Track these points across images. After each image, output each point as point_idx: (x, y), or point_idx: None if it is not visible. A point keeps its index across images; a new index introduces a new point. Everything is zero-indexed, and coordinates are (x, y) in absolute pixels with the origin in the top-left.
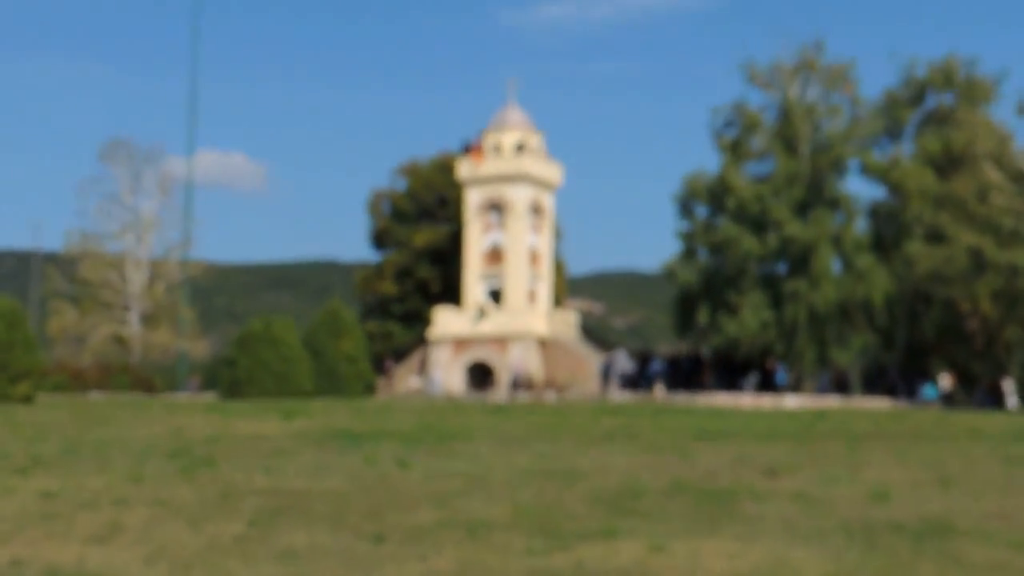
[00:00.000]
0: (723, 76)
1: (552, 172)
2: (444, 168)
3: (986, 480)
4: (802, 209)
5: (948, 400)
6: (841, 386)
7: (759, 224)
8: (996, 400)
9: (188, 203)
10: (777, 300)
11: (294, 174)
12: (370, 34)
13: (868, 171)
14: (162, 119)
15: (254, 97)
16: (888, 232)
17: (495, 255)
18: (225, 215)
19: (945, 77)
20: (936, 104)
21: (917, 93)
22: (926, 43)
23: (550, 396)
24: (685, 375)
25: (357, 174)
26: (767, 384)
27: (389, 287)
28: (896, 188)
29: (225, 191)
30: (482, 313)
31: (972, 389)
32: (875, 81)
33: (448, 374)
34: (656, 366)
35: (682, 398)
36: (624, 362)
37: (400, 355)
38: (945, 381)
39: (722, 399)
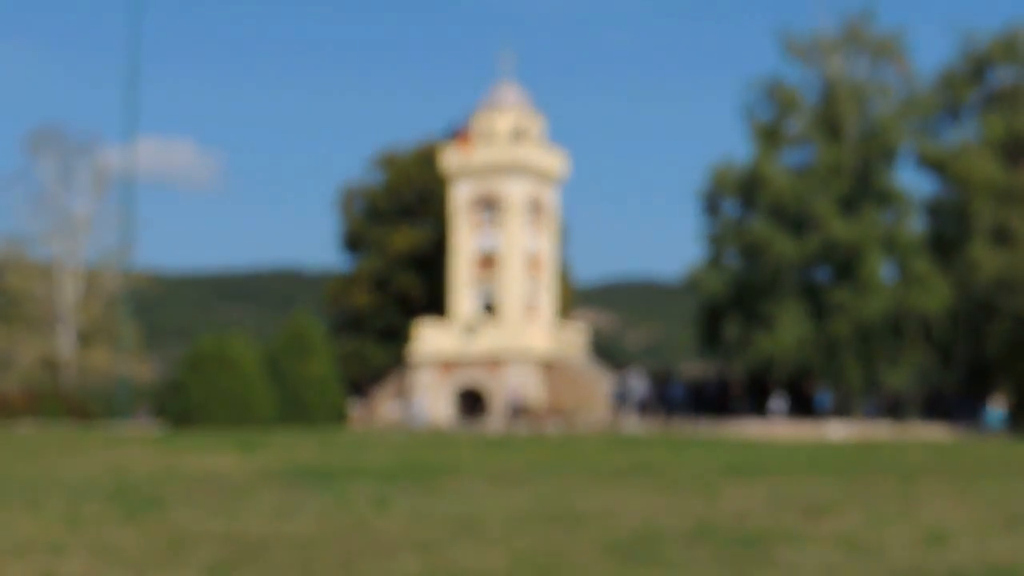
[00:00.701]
0: (756, 49)
1: (554, 162)
2: (427, 159)
3: None
4: (847, 205)
5: (1016, 427)
6: (892, 411)
7: (797, 223)
8: None
9: (128, 201)
10: (818, 312)
11: (251, 166)
12: (342, 3)
13: (924, 160)
14: (96, 103)
15: (202, 76)
16: (947, 232)
17: (488, 260)
18: (171, 215)
19: (1007, 49)
20: (999, 82)
21: (977, 69)
22: (987, 11)
23: (553, 426)
24: (711, 400)
25: (325, 166)
26: (804, 408)
27: (363, 299)
28: (956, 180)
29: (170, 187)
30: (473, 329)
31: None
32: (930, 55)
33: (433, 400)
34: (677, 390)
35: (707, 427)
36: (639, 385)
37: (377, 378)
38: (999, 403)
39: (754, 428)
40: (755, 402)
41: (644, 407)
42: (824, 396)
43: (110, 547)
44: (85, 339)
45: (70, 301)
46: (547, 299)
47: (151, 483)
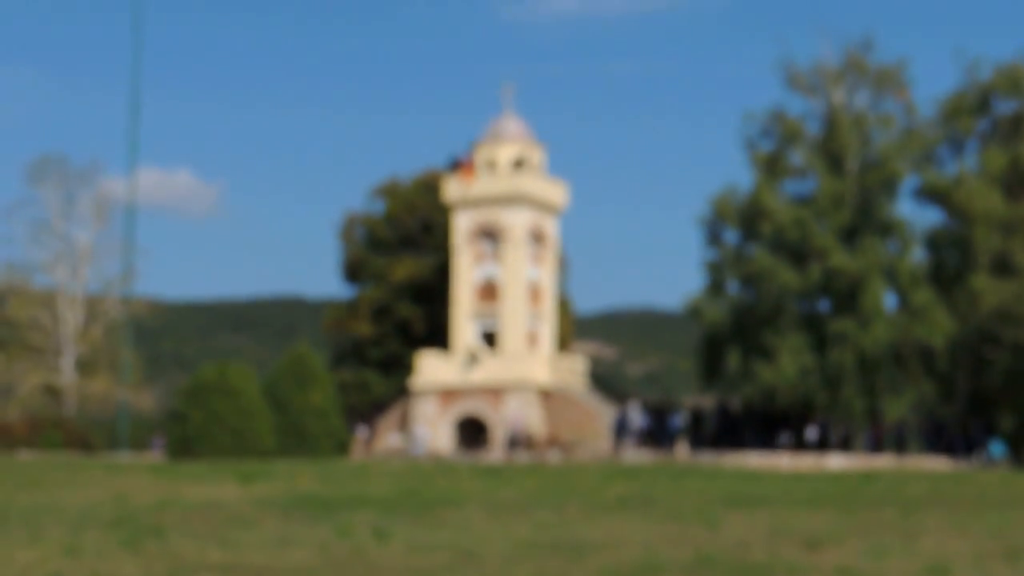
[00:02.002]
0: (759, 80)
1: (556, 193)
2: (429, 188)
3: None
4: (849, 236)
5: (1016, 458)
6: (894, 443)
7: (799, 254)
8: None
9: (130, 230)
10: (820, 343)
11: (251, 196)
12: (343, 32)
13: (926, 191)
14: (96, 134)
15: (202, 105)
16: (949, 263)
17: (489, 290)
18: (171, 244)
19: (1012, 81)
20: (1002, 112)
21: (981, 100)
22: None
23: (553, 456)
24: (712, 431)
25: (327, 195)
26: (802, 441)
27: (364, 328)
28: (958, 211)
29: (170, 216)
30: (474, 359)
31: None
32: (932, 87)
33: (434, 430)
34: (677, 421)
35: (708, 458)
36: (638, 416)
37: (378, 408)
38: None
39: (755, 459)
40: (757, 433)
41: (644, 437)
42: (813, 430)
43: None
44: (86, 368)
45: (71, 329)
46: (548, 329)
47: (151, 512)
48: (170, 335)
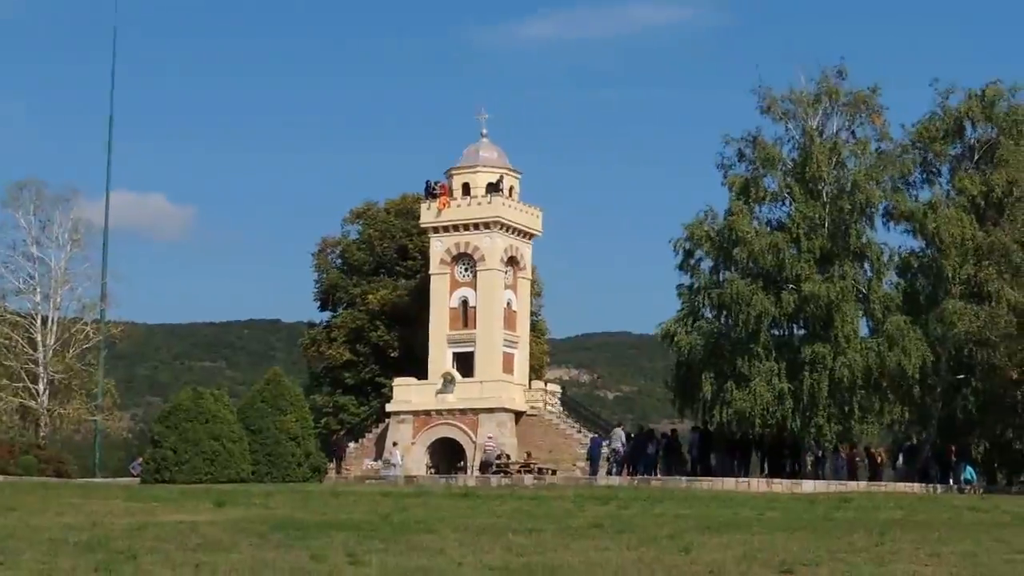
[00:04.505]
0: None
1: (531, 218)
2: (404, 214)
3: None
4: (824, 262)
5: (988, 483)
6: (867, 468)
7: (773, 279)
8: None
9: (105, 254)
10: (794, 368)
11: (225, 219)
12: (318, 57)
13: (899, 217)
14: (71, 159)
15: (174, 127)
16: (922, 288)
17: (464, 315)
18: (146, 268)
19: (984, 108)
20: (975, 139)
21: (954, 127)
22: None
23: (527, 480)
24: (688, 457)
25: (302, 220)
26: (776, 466)
27: (339, 353)
28: (932, 237)
29: (143, 240)
30: (449, 383)
31: (1018, 470)
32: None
33: (409, 454)
34: (652, 446)
35: (682, 483)
36: (613, 441)
37: (353, 432)
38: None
39: (729, 484)
40: (731, 458)
41: (619, 463)
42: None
43: None
44: (60, 392)
45: (46, 353)
46: (522, 354)
47: (126, 537)
48: (145, 359)
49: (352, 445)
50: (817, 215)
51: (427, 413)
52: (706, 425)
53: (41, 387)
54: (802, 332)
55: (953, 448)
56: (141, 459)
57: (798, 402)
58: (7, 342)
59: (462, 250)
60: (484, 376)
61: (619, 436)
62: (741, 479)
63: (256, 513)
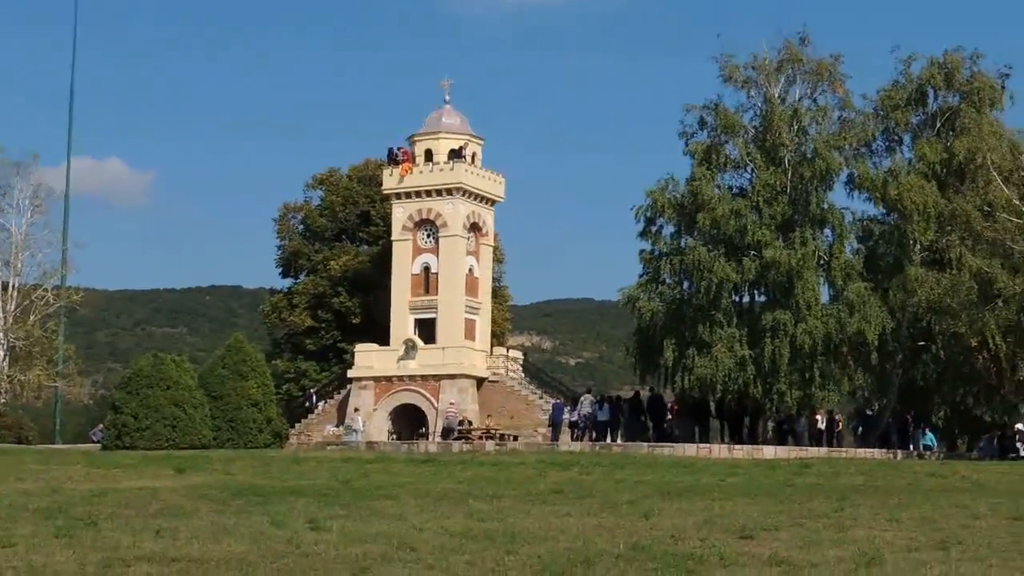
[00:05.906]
0: (700, 74)
1: (493, 185)
2: (367, 180)
3: (991, 542)
4: (785, 228)
5: (948, 449)
6: (827, 433)
7: (735, 246)
8: (1004, 449)
9: (66, 220)
10: (755, 335)
11: (186, 185)
12: (281, 21)
13: (860, 184)
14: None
15: (132, 90)
16: (883, 256)
17: (426, 281)
18: (106, 234)
19: (946, 76)
20: (937, 107)
21: (916, 94)
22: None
23: (490, 446)
24: (649, 422)
25: (264, 185)
26: (736, 432)
27: (301, 319)
28: (893, 204)
29: (102, 206)
30: (410, 349)
31: (977, 436)
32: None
33: (371, 421)
34: (614, 411)
35: (643, 448)
36: (576, 406)
37: (315, 398)
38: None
39: (690, 450)
40: (692, 424)
41: (581, 428)
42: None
43: (44, 568)
44: (21, 358)
45: (6, 320)
46: (484, 320)
47: (86, 503)
48: (106, 325)
49: (320, 405)
50: (778, 182)
51: (389, 379)
52: (651, 390)
53: (1, 353)
54: (763, 299)
55: (912, 414)
56: (102, 425)
57: (759, 369)
58: None
59: (424, 216)
60: (446, 342)
61: (589, 401)
62: (702, 445)
63: (217, 479)
